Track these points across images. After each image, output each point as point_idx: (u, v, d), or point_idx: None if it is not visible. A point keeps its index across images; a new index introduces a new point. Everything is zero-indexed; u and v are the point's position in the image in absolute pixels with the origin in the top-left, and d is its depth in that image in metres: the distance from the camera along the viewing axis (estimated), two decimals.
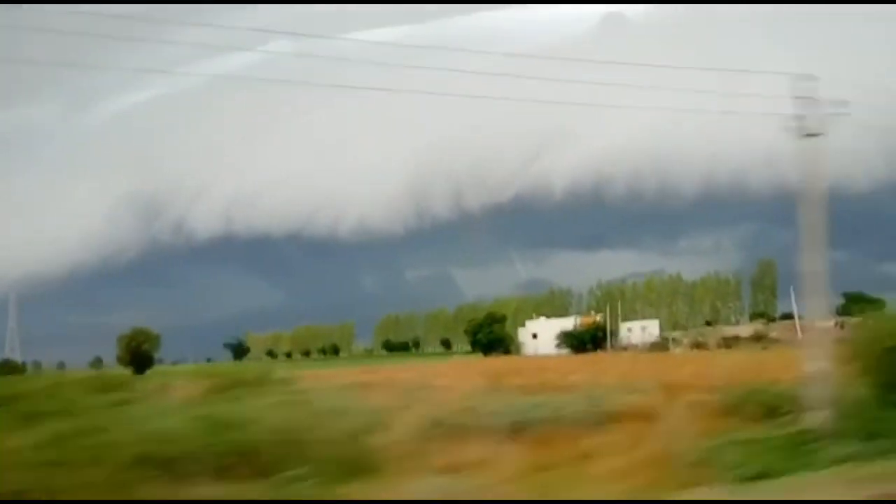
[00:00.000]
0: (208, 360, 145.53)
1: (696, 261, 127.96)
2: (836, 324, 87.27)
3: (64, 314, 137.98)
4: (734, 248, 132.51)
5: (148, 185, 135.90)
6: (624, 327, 72.73)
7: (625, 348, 63.28)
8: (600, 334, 66.39)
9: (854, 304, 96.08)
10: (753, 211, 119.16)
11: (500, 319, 73.05)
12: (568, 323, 71.80)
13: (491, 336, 69.70)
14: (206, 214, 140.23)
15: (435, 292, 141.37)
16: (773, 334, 60.40)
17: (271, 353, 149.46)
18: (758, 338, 58.44)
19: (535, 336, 71.21)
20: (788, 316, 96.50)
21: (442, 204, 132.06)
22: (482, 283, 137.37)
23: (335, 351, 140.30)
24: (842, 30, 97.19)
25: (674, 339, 64.35)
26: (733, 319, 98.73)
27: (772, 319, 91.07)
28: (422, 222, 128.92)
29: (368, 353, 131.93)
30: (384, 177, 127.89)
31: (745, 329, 71.17)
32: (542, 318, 77.26)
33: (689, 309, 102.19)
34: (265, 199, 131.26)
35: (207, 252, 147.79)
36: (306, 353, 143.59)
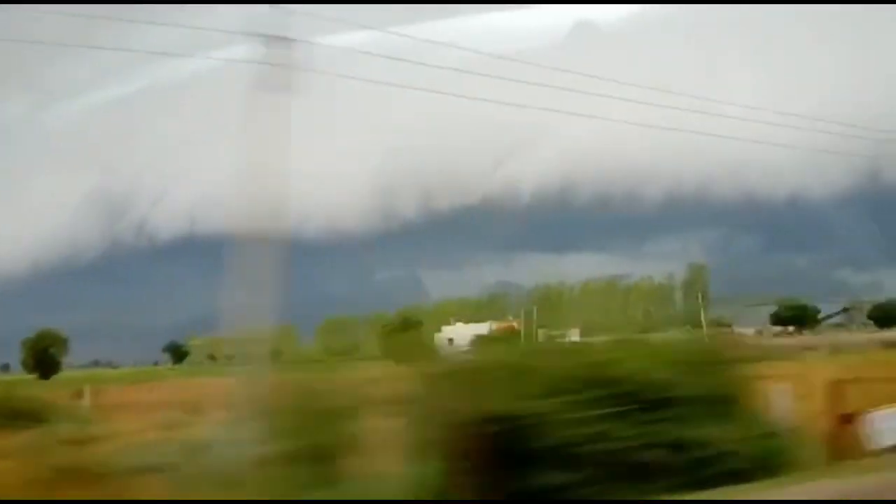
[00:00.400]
0: (155, 363, 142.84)
1: (663, 265, 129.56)
2: (783, 331, 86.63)
3: (22, 314, 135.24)
4: (700, 253, 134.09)
5: (110, 185, 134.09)
6: (542, 333, 71.47)
7: None
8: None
9: (789, 310, 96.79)
10: (718, 216, 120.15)
11: (415, 324, 71.38)
12: (484, 329, 70.28)
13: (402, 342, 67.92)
14: (169, 214, 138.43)
15: (404, 294, 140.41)
16: None
17: (213, 357, 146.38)
18: None
19: (450, 342, 69.52)
20: (718, 323, 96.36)
21: (410, 205, 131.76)
22: (451, 286, 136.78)
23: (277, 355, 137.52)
24: (813, 41, 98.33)
25: None
26: (666, 326, 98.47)
27: (697, 326, 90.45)
28: (390, 223, 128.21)
29: (308, 357, 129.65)
30: (351, 177, 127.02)
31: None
32: (460, 324, 75.68)
33: (623, 314, 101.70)
34: (230, 199, 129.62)
35: (170, 252, 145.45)
36: None
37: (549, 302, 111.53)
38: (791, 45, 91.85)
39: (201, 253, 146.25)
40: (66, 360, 72.53)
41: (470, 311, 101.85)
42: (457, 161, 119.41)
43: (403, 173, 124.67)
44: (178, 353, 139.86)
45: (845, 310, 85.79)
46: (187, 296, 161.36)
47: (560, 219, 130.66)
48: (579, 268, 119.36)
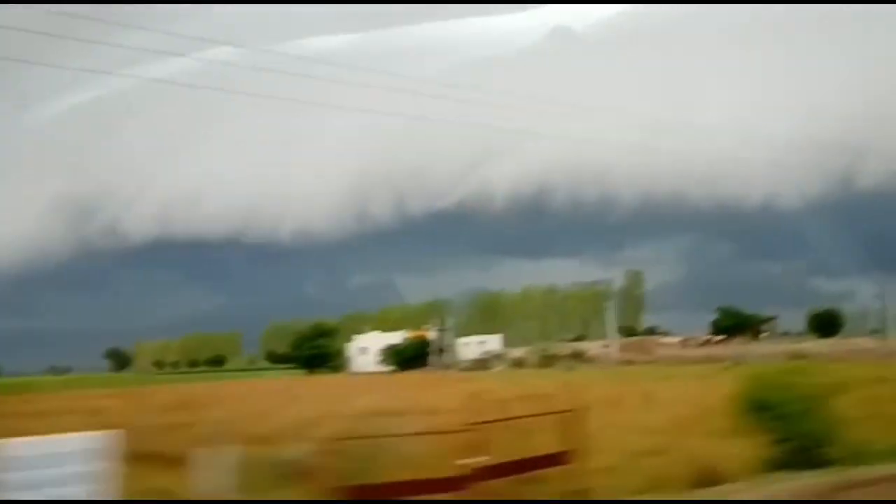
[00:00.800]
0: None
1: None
2: (707, 340, 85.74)
3: None
4: (674, 260, 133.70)
5: (80, 187, 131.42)
6: (461, 342, 70.31)
7: (448, 366, 60.75)
8: (425, 351, 63.71)
9: (730, 318, 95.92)
10: (692, 223, 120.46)
11: (328, 332, 69.61)
12: (397, 338, 68.75)
13: (315, 350, 66.29)
14: (140, 217, 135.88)
15: (378, 299, 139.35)
16: (592, 352, 58.60)
17: (159, 364, 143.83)
18: (576, 356, 56.55)
19: (364, 351, 68.02)
20: (651, 331, 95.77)
21: (384, 209, 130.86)
22: (426, 291, 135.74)
23: (220, 362, 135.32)
24: (788, 51, 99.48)
25: (497, 357, 62.05)
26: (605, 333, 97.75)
27: (632, 334, 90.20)
28: (364, 227, 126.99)
29: (252, 364, 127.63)
30: (325, 181, 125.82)
31: (594, 345, 69.55)
32: (374, 333, 73.92)
33: (561, 321, 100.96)
34: (202, 202, 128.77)
35: (142, 255, 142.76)
36: (193, 364, 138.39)
37: (490, 310, 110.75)
38: (767, 56, 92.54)
39: (171, 257, 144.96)
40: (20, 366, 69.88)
41: (413, 319, 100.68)
42: (432, 165, 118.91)
43: (378, 177, 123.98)
44: (119, 360, 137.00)
45: (771, 319, 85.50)
46: (162, 299, 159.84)
47: (536, 224, 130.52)
48: (556, 273, 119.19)
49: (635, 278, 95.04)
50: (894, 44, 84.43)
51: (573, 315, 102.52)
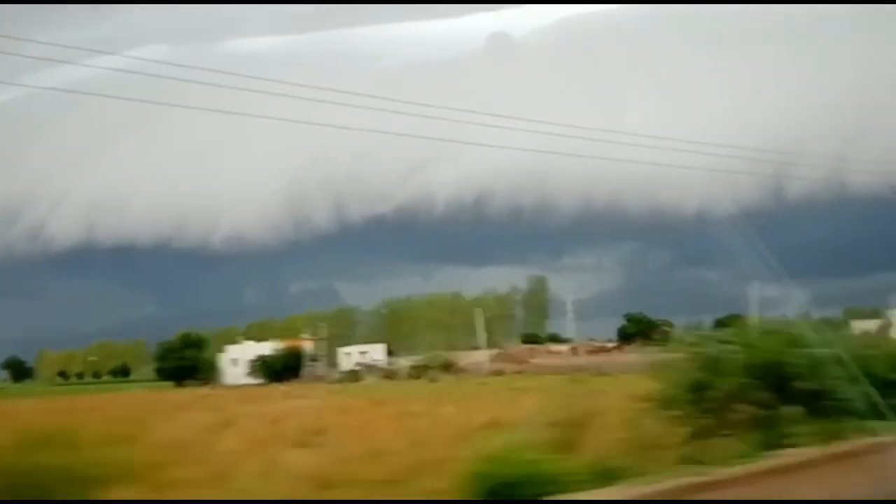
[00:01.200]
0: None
1: (579, 277, 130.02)
2: (600, 347, 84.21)
3: None
4: (615, 266, 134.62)
5: (4, 190, 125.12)
6: (343, 352, 67.61)
7: (320, 377, 58.01)
8: (298, 362, 60.72)
9: (636, 324, 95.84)
10: (631, 230, 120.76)
11: (197, 343, 65.82)
12: (267, 349, 65.36)
13: (183, 362, 62.50)
14: (66, 221, 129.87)
15: (318, 306, 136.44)
16: (463, 363, 56.58)
17: (64, 374, 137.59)
18: (446, 367, 54.43)
19: (235, 363, 64.61)
20: (553, 338, 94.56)
21: (322, 215, 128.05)
22: (367, 298, 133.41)
23: (126, 372, 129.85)
24: (723, 60, 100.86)
25: (369, 368, 59.58)
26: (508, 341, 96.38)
27: (533, 341, 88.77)
28: (301, 233, 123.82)
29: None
30: (259, 185, 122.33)
31: (481, 355, 67.61)
32: (248, 342, 70.52)
33: (466, 329, 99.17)
34: (131, 205, 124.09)
35: (68, 260, 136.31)
36: (97, 375, 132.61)
37: (396, 317, 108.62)
38: (703, 65, 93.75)
39: (98, 262, 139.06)
40: None
41: (319, 326, 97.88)
42: (370, 170, 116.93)
43: (314, 182, 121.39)
44: (18, 370, 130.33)
45: (667, 325, 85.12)
46: (89, 305, 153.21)
47: (476, 231, 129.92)
48: (497, 281, 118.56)
49: (539, 284, 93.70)
50: (825, 53, 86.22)
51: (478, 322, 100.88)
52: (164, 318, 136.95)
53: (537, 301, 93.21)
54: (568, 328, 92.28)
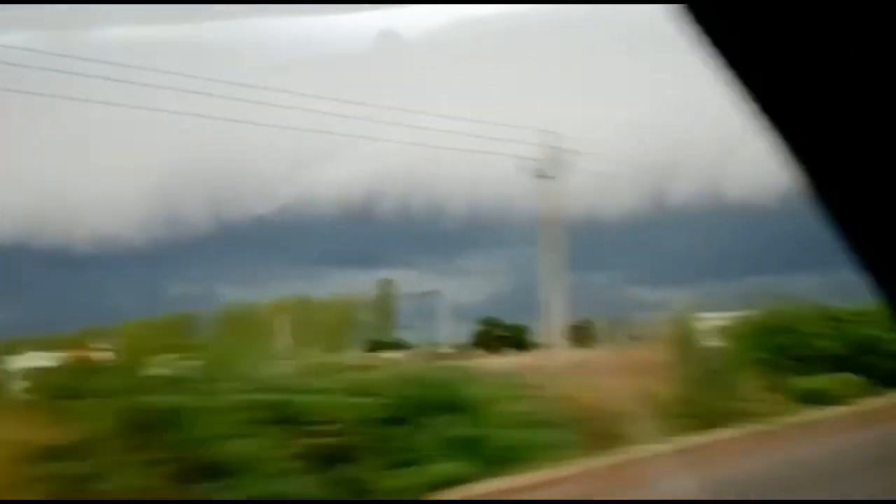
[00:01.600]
0: None
1: (471, 282, 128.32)
2: (451, 352, 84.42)
3: None
4: (507, 270, 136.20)
5: None
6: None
7: None
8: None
9: (490, 329, 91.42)
10: (521, 234, 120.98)
11: None
12: (52, 360, 60.43)
13: None
14: None
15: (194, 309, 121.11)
16: None
17: None
18: None
19: (14, 376, 61.81)
20: (396, 345, 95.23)
21: (201, 214, 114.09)
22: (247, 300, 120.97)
23: None
24: (609, 67, 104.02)
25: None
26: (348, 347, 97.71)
27: (376, 349, 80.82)
28: (177, 233, 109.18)
29: None
30: (127, 183, 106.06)
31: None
32: (34, 353, 64.37)
33: (314, 334, 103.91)
34: None
35: None
36: None
37: (241, 322, 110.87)
38: (588, 70, 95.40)
39: None
40: None
41: (155, 333, 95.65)
42: (250, 168, 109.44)
43: (189, 180, 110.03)
44: None
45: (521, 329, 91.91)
46: None
47: (366, 233, 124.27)
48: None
49: (386, 288, 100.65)
50: (701, 61, 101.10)
51: (324, 327, 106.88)
52: (13, 324, 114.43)
53: (385, 305, 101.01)
54: (439, 332, 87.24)
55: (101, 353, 57.90)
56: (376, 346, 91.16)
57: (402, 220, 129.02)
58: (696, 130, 74.84)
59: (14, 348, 73.35)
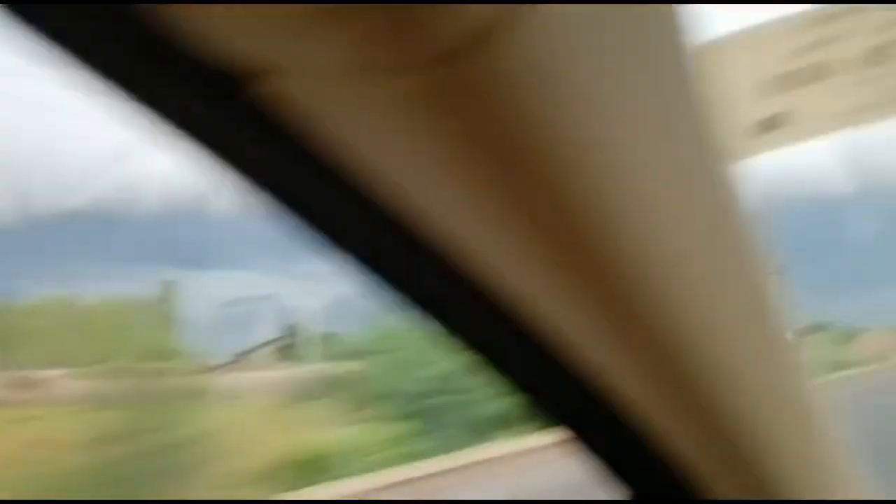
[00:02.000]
0: None
1: (318, 286, 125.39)
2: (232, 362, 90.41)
3: None
4: (346, 277, 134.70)
5: None
6: None
7: None
8: None
9: (291, 337, 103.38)
10: None
11: None
12: None
13: None
14: None
15: None
16: None
17: None
18: None
19: None
20: (169, 354, 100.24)
21: (1, 205, 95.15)
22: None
23: None
24: None
25: None
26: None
27: (161, 354, 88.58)
28: None
29: None
30: None
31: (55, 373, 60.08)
32: None
33: (88, 343, 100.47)
34: None
35: None
36: None
37: None
38: None
39: None
40: None
41: None
42: (65, 157, 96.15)
43: None
44: None
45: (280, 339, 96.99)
46: None
47: (197, 231, 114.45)
48: (224, 286, 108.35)
49: (168, 289, 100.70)
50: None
51: (98, 333, 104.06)
52: None
53: (167, 309, 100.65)
54: (255, 341, 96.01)
55: None
56: (157, 354, 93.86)
57: (238, 218, 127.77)
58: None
59: None
